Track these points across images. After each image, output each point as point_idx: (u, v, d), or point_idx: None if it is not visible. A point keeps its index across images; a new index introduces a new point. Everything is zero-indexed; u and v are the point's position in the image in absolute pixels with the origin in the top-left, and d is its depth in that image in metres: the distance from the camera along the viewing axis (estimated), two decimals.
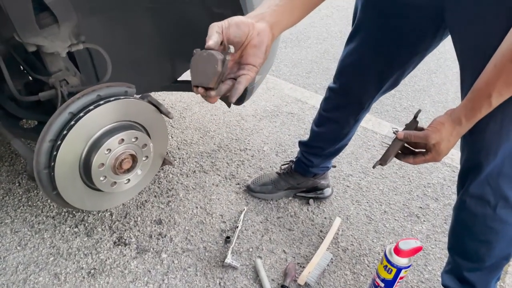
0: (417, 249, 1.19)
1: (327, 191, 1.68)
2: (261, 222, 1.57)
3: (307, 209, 1.66)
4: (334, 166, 1.72)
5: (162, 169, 1.77)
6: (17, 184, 1.62)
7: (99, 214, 1.53)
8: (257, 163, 1.88)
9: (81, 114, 1.03)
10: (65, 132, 1.01)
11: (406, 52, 1.11)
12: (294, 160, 1.67)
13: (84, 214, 1.53)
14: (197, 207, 1.61)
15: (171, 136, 2.00)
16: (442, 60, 3.00)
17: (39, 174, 1.05)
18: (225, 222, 1.56)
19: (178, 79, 1.74)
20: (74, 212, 1.53)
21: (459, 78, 0.96)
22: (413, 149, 0.98)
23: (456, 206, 1.14)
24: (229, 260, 1.37)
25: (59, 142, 1.01)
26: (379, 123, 2.26)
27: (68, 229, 1.47)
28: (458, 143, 0.97)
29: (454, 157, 1.98)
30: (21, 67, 1.33)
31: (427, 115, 2.38)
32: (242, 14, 1.19)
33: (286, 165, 1.72)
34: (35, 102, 1.23)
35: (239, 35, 0.73)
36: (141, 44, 1.49)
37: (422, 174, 1.89)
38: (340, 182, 1.81)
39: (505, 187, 1.00)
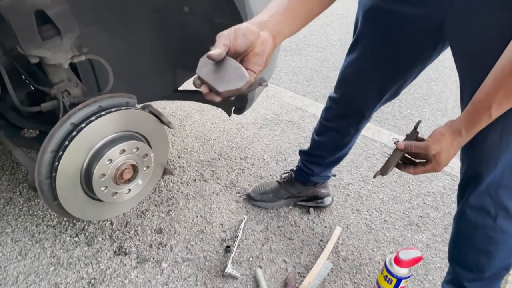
0: (417, 259, 1.20)
1: (327, 200, 1.68)
2: (261, 231, 1.58)
3: (307, 218, 1.66)
4: (334, 175, 1.73)
5: (163, 178, 1.77)
6: (18, 193, 1.63)
7: (100, 224, 1.54)
8: (257, 172, 1.89)
9: (83, 125, 1.03)
10: (66, 143, 1.02)
11: (406, 64, 1.12)
12: (295, 169, 1.67)
13: (85, 223, 1.53)
14: (197, 216, 1.62)
15: (172, 145, 2.01)
16: (441, 69, 3.02)
17: (41, 185, 1.05)
18: (225, 231, 1.56)
19: (179, 88, 1.76)
20: (74, 221, 1.53)
21: (459, 87, 0.97)
22: (414, 159, 0.99)
23: (456, 217, 1.14)
24: (229, 269, 1.37)
25: (60, 153, 1.02)
26: (378, 131, 2.26)
27: (68, 238, 1.47)
28: (458, 153, 0.97)
29: (453, 165, 1.98)
30: (23, 76, 1.34)
31: (426, 123, 2.39)
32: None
33: (287, 174, 1.72)
34: (36, 111, 1.24)
35: (245, 44, 0.73)
36: (142, 54, 1.50)
37: (422, 182, 1.89)
38: (340, 190, 1.82)
39: (505, 198, 1.00)
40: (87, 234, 1.49)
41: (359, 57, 1.18)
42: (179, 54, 1.54)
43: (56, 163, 1.02)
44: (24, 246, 1.43)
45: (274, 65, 1.67)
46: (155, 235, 1.52)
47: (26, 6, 0.93)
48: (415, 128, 0.99)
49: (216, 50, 0.70)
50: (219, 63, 0.71)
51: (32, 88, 1.34)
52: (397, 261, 1.20)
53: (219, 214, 1.63)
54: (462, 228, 1.13)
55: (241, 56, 0.76)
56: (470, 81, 0.92)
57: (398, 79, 1.16)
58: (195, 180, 1.80)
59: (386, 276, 1.24)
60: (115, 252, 1.44)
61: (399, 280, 1.22)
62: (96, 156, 1.08)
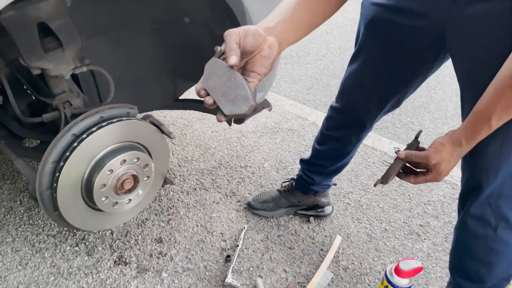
0: (418, 269, 1.19)
1: (328, 209, 1.68)
2: (261, 241, 1.57)
3: (308, 227, 1.66)
4: (335, 184, 1.73)
5: (163, 187, 1.78)
6: (19, 202, 1.63)
7: (100, 233, 1.54)
8: (258, 180, 1.89)
9: (84, 135, 1.04)
10: (67, 153, 1.02)
11: (407, 75, 1.12)
12: (295, 177, 1.67)
13: (85, 232, 1.53)
14: (197, 225, 1.62)
15: (172, 153, 2.02)
16: (441, 77, 3.03)
17: (41, 195, 1.06)
18: (225, 241, 1.56)
19: (180, 97, 1.77)
20: (74, 231, 1.53)
21: (458, 95, 0.98)
22: (414, 168, 0.99)
23: (457, 227, 1.14)
24: (229, 279, 1.37)
25: (61, 164, 1.02)
26: (378, 139, 2.27)
27: (68, 248, 1.47)
28: (459, 162, 0.98)
29: (453, 174, 1.98)
30: (25, 87, 1.35)
31: (426, 132, 2.39)
32: None
33: (287, 183, 1.72)
34: (38, 122, 1.25)
35: (254, 45, 0.74)
36: (143, 64, 1.52)
37: (422, 191, 1.89)
38: (341, 199, 1.82)
39: (506, 208, 1.00)
40: (87, 243, 1.49)
41: (361, 67, 1.19)
42: (179, 64, 1.55)
43: (57, 174, 1.03)
44: (25, 256, 1.43)
45: (275, 73, 1.68)
46: (155, 245, 1.52)
47: (29, 19, 0.94)
48: (416, 137, 1.00)
49: (233, 58, 0.70)
50: (225, 75, 0.71)
51: (34, 98, 1.35)
52: (398, 271, 1.20)
53: (219, 223, 1.63)
54: (462, 238, 1.13)
55: (248, 57, 0.76)
56: (470, 91, 0.93)
57: (399, 89, 1.17)
58: (195, 189, 1.80)
59: (387, 287, 1.23)
60: (115, 261, 1.44)
61: None
62: (97, 167, 1.08)
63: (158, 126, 1.20)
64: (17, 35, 0.96)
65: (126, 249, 1.48)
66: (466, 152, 0.90)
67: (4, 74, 1.19)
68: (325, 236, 1.63)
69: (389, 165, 0.99)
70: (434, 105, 2.71)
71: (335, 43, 3.56)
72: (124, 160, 1.11)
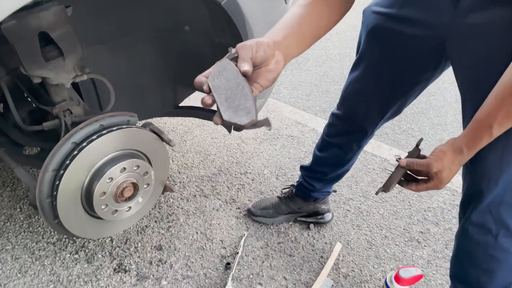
0: (418, 277, 1.19)
1: (328, 216, 1.68)
2: (261, 248, 1.57)
3: (308, 234, 1.65)
4: (335, 191, 1.73)
5: (163, 194, 1.78)
6: (19, 210, 1.63)
7: (100, 240, 1.53)
8: (258, 187, 1.89)
9: (84, 144, 1.05)
10: (68, 162, 1.03)
11: (408, 82, 1.13)
12: (295, 184, 1.67)
13: (85, 240, 1.53)
14: (197, 233, 1.61)
15: (172, 160, 2.02)
16: (440, 83, 3.04)
17: (41, 203, 1.06)
18: (225, 248, 1.56)
19: (180, 104, 1.77)
20: (74, 238, 1.53)
21: (458, 101, 0.98)
22: (415, 176, 0.99)
23: (458, 234, 1.14)
24: (229, 287, 1.36)
25: (62, 172, 1.03)
26: (378, 146, 2.27)
27: (68, 255, 1.46)
28: (460, 170, 0.98)
29: (454, 180, 1.96)
30: (25, 94, 1.35)
31: (426, 138, 2.40)
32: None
33: (287, 189, 1.72)
34: (38, 130, 1.25)
35: (263, 59, 0.74)
36: (144, 71, 1.52)
37: (422, 198, 1.89)
38: (341, 206, 1.82)
39: (507, 216, 1.01)
40: (87, 251, 1.49)
41: (362, 74, 1.20)
42: (179, 72, 1.56)
43: (57, 182, 1.03)
44: (24, 264, 1.42)
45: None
46: (155, 252, 1.51)
47: (30, 29, 0.95)
48: (417, 145, 1.00)
49: (246, 65, 0.70)
50: (233, 80, 0.69)
51: (34, 106, 1.36)
52: (398, 279, 1.20)
53: (219, 230, 1.63)
54: (463, 246, 1.13)
55: (254, 69, 0.76)
56: (471, 99, 0.94)
57: (400, 97, 1.18)
58: (195, 195, 1.80)
59: None
60: (115, 269, 1.43)
61: None
62: (97, 175, 1.08)
63: (158, 133, 1.20)
64: (18, 45, 0.96)
65: (125, 256, 1.48)
66: (467, 159, 0.91)
67: (5, 82, 1.19)
68: (325, 243, 1.63)
69: (391, 173, 0.99)
70: (433, 111, 2.72)
71: (335, 49, 3.57)
72: (124, 168, 1.11)
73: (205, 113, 1.73)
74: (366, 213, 1.78)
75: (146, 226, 1.62)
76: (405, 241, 1.66)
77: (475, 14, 0.86)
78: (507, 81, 0.78)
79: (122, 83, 1.43)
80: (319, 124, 2.42)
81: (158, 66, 1.54)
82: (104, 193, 1.10)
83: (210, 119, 1.73)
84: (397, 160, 0.98)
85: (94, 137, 1.06)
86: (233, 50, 0.72)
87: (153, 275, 1.42)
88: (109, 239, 1.55)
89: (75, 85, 1.33)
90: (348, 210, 1.80)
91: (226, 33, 1.25)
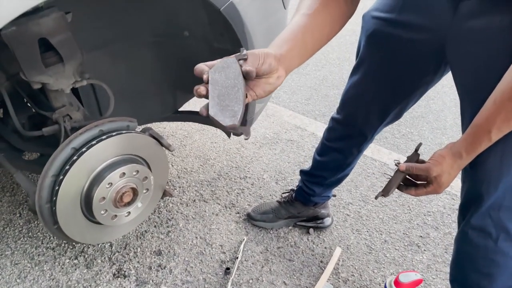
0: (417, 282, 1.19)
1: (327, 221, 1.68)
2: (261, 253, 1.57)
3: (307, 239, 1.65)
4: (334, 195, 1.73)
5: (162, 199, 1.77)
6: (18, 215, 1.63)
7: (99, 245, 1.53)
8: (257, 192, 1.89)
9: (84, 149, 1.05)
10: (67, 167, 1.03)
11: (408, 87, 1.13)
12: (295, 188, 1.68)
13: (84, 245, 1.52)
14: (196, 237, 1.61)
15: (172, 165, 2.02)
16: (439, 87, 3.04)
17: (41, 209, 1.06)
18: (225, 253, 1.55)
19: (179, 109, 1.78)
20: (74, 244, 1.53)
21: (457, 105, 0.99)
22: (415, 181, 1.00)
23: (457, 238, 1.14)
24: None
25: (61, 177, 1.03)
26: (378, 150, 2.27)
27: (67, 260, 1.46)
28: (459, 174, 0.98)
29: (453, 184, 1.97)
30: (25, 100, 1.36)
31: (425, 142, 2.40)
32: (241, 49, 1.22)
33: (287, 194, 1.72)
34: (38, 135, 1.26)
35: (266, 72, 0.74)
36: (143, 77, 1.53)
37: (421, 202, 1.89)
38: (340, 210, 1.82)
39: (506, 220, 1.00)
40: (86, 256, 1.49)
41: (362, 79, 1.20)
42: (179, 77, 1.56)
43: (57, 187, 1.03)
44: (24, 269, 1.42)
45: None
46: (155, 257, 1.51)
47: (30, 35, 0.95)
48: (416, 150, 1.00)
49: (250, 68, 0.70)
50: (232, 80, 0.69)
51: (34, 111, 1.36)
52: (397, 283, 1.20)
53: (218, 235, 1.63)
54: (463, 250, 1.13)
55: (255, 78, 0.75)
56: (470, 103, 0.94)
57: (400, 101, 1.18)
58: (194, 200, 1.80)
59: None
60: (114, 274, 1.43)
61: None
62: (97, 180, 1.09)
63: (157, 139, 1.20)
64: (18, 51, 0.97)
65: (125, 261, 1.48)
66: (466, 164, 0.91)
67: (5, 88, 1.20)
68: (325, 247, 1.62)
69: (390, 177, 0.99)
70: (433, 115, 2.72)
71: (334, 53, 3.58)
72: (124, 173, 1.12)
73: (204, 117, 1.73)
74: (365, 218, 1.78)
75: (145, 231, 1.62)
76: (405, 246, 1.66)
77: (475, 19, 0.86)
78: (506, 86, 0.79)
79: (121, 88, 1.43)
80: (319, 129, 2.43)
81: (158, 71, 1.55)
82: (104, 198, 1.10)
83: (210, 123, 1.74)
84: (396, 165, 0.98)
85: (94, 142, 1.06)
86: (244, 51, 0.72)
87: (152, 280, 1.42)
88: (109, 244, 1.54)
89: (74, 91, 1.34)
90: (347, 215, 1.80)
91: (225, 38, 1.26)
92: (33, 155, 1.84)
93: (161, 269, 1.47)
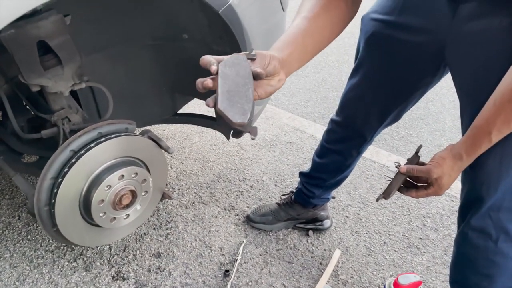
0: (417, 284, 1.19)
1: (327, 223, 1.68)
2: (260, 255, 1.57)
3: (307, 241, 1.65)
4: (334, 197, 1.73)
5: (161, 201, 1.77)
6: (17, 218, 1.63)
7: (98, 248, 1.53)
8: (256, 194, 1.89)
9: (82, 151, 1.05)
10: (66, 169, 1.03)
11: (407, 88, 1.14)
12: (294, 190, 1.67)
13: (83, 248, 1.52)
14: (196, 240, 1.61)
15: (171, 167, 2.02)
16: (438, 89, 3.05)
17: (40, 211, 1.06)
18: (224, 255, 1.55)
19: (178, 112, 1.78)
20: (73, 246, 1.52)
21: (456, 107, 0.99)
22: (415, 183, 1.00)
23: (457, 239, 1.14)
24: None
25: (60, 180, 1.03)
26: (377, 152, 2.27)
27: (66, 263, 1.46)
28: (459, 176, 0.98)
29: (452, 186, 1.97)
30: (24, 102, 1.36)
31: (424, 144, 2.40)
32: (240, 52, 1.23)
33: (286, 196, 1.72)
34: (37, 138, 1.26)
35: (271, 73, 0.74)
36: (142, 79, 1.53)
37: (421, 204, 1.89)
38: (339, 212, 1.82)
39: (506, 221, 1.00)
40: (85, 259, 1.48)
41: (361, 81, 1.20)
42: (178, 79, 1.57)
43: (56, 190, 1.03)
44: (23, 272, 1.42)
45: None
46: (154, 260, 1.51)
47: (28, 38, 0.96)
48: (416, 152, 1.01)
49: (262, 71, 0.71)
50: (242, 77, 0.69)
51: (33, 114, 1.36)
52: (397, 285, 1.20)
53: (218, 238, 1.63)
54: (463, 251, 1.13)
55: (257, 79, 0.77)
56: (470, 105, 0.94)
57: (399, 103, 1.18)
58: (194, 202, 1.80)
59: None
60: (113, 277, 1.43)
61: None
62: (95, 182, 1.08)
63: (156, 141, 1.20)
64: (16, 53, 0.97)
65: (124, 264, 1.48)
66: (466, 165, 0.91)
67: (4, 90, 1.20)
68: (324, 249, 1.62)
69: (390, 179, 0.99)
70: (432, 117, 2.73)
71: (333, 56, 3.59)
72: (122, 176, 1.12)
73: (203, 120, 1.74)
74: (365, 220, 1.78)
75: (144, 233, 1.62)
76: (404, 248, 1.65)
77: (474, 21, 0.87)
78: (506, 87, 0.79)
79: (120, 91, 1.43)
80: (318, 130, 2.43)
81: (157, 74, 1.55)
82: (102, 200, 1.10)
83: (209, 126, 1.74)
84: (397, 167, 0.98)
85: (92, 145, 1.06)
86: (254, 52, 0.73)
87: (151, 283, 1.42)
88: (108, 246, 1.54)
89: (73, 93, 1.34)
90: (347, 217, 1.79)
91: (224, 41, 1.26)
92: (32, 158, 1.84)
93: (160, 271, 1.46)
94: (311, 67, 3.36)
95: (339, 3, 0.88)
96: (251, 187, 1.93)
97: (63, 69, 1.06)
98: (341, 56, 3.57)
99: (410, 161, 1.00)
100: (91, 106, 1.46)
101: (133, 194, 1.17)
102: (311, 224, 1.68)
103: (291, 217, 1.66)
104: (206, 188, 1.90)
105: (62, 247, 1.52)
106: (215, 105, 0.67)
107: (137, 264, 1.48)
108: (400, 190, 1.00)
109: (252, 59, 0.73)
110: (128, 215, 1.20)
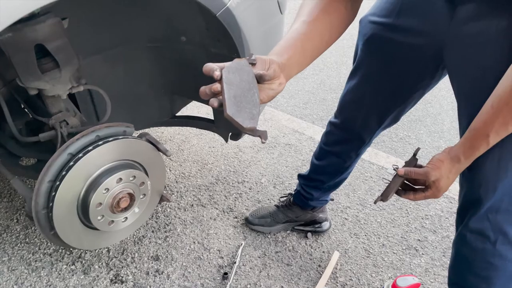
0: (415, 286, 1.19)
1: (325, 225, 1.68)
2: (259, 257, 1.57)
3: (305, 243, 1.65)
4: (332, 199, 1.73)
5: (160, 204, 1.77)
6: (15, 221, 1.62)
7: (96, 251, 1.53)
8: (255, 196, 1.89)
9: (80, 154, 1.05)
10: (64, 173, 1.03)
11: (406, 90, 1.14)
12: (293, 193, 1.67)
13: (81, 251, 1.52)
14: (194, 242, 1.61)
15: (169, 169, 2.02)
16: (437, 90, 3.05)
17: (38, 215, 1.06)
18: (222, 258, 1.55)
19: (177, 114, 1.78)
20: (71, 249, 1.52)
21: (454, 109, 0.99)
22: (413, 185, 1.00)
23: (455, 241, 1.14)
24: None
25: (58, 183, 1.03)
26: (375, 153, 2.28)
27: (65, 266, 1.46)
28: (457, 178, 0.98)
29: (451, 188, 1.97)
30: (22, 105, 1.36)
31: (423, 145, 2.40)
32: (238, 54, 1.23)
33: (285, 198, 1.72)
34: (35, 141, 1.26)
35: (270, 78, 0.74)
36: (140, 82, 1.53)
37: (419, 205, 1.89)
38: (338, 214, 1.82)
39: (504, 223, 1.01)
40: (83, 262, 1.48)
41: (360, 83, 1.21)
42: (176, 82, 1.57)
43: (53, 193, 1.03)
44: (21, 275, 1.41)
45: None
46: (152, 262, 1.51)
47: (26, 41, 0.96)
48: (414, 155, 1.01)
49: (265, 72, 0.71)
50: (247, 82, 0.69)
51: (31, 117, 1.36)
52: None
53: (216, 240, 1.63)
54: (461, 253, 1.13)
55: (258, 83, 0.77)
56: (467, 107, 0.94)
57: (397, 105, 1.18)
58: (192, 205, 1.80)
59: None
60: (111, 280, 1.43)
61: None
62: (93, 186, 1.08)
63: (154, 144, 1.20)
64: (14, 57, 0.97)
65: (122, 267, 1.48)
66: (464, 168, 0.91)
67: (2, 93, 1.20)
68: (323, 252, 1.62)
69: (388, 182, 0.99)
70: (430, 119, 2.73)
71: (332, 57, 3.59)
72: (120, 179, 1.11)
73: (202, 122, 1.74)
74: (363, 222, 1.78)
75: (143, 236, 1.61)
76: (403, 249, 1.65)
77: (472, 23, 0.87)
78: (503, 90, 0.79)
79: (118, 94, 1.43)
80: (317, 132, 2.43)
81: (155, 76, 1.55)
82: (100, 204, 1.10)
83: (208, 128, 1.74)
84: (395, 169, 0.98)
85: (90, 148, 1.06)
86: (254, 56, 0.73)
87: (150, 286, 1.42)
88: (106, 249, 1.54)
89: (71, 96, 1.34)
90: (345, 219, 1.79)
91: (222, 43, 1.26)
92: (30, 161, 1.84)
93: (159, 274, 1.46)
94: (310, 69, 3.36)
95: (338, 6, 0.89)
96: (249, 189, 1.93)
97: (61, 72, 1.06)
98: (339, 58, 3.58)
99: (408, 164, 1.00)
100: (89, 109, 1.46)
101: (131, 197, 1.17)
102: (310, 226, 1.68)
103: (290, 219, 1.66)
104: (204, 190, 1.90)
105: (60, 250, 1.52)
106: (221, 109, 0.67)
107: (136, 267, 1.48)
108: (398, 192, 1.01)
109: (253, 64, 0.73)
110: (126, 218, 1.20)
